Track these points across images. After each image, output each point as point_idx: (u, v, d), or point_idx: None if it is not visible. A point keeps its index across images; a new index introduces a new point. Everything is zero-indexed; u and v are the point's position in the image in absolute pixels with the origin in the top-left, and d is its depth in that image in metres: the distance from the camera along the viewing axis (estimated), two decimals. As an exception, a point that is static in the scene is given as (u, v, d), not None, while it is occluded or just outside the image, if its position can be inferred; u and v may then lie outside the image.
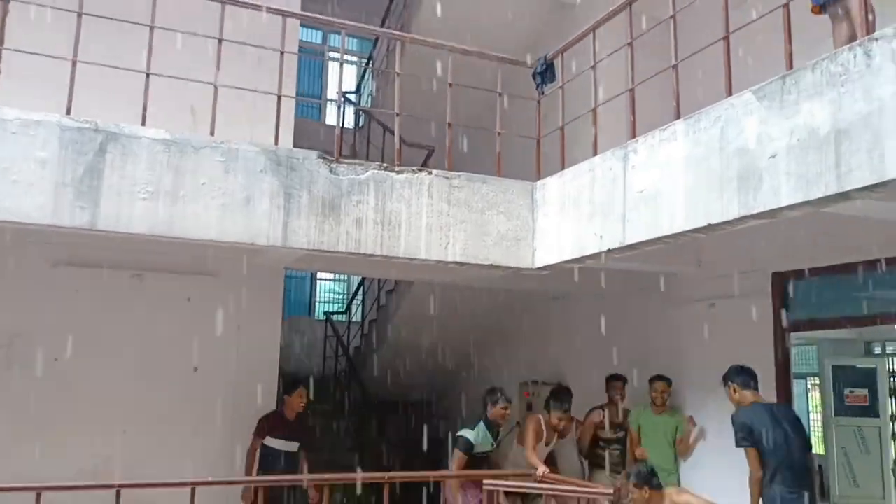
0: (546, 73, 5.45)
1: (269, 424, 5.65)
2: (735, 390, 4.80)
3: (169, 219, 4.31)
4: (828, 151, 3.03)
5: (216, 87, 4.61)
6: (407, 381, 8.31)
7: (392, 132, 8.20)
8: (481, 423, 5.84)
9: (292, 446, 5.72)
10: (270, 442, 5.64)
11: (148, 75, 4.43)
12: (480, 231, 5.09)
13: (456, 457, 5.55)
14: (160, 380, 5.52)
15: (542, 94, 5.52)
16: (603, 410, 6.43)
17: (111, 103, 4.67)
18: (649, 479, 4.55)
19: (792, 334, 5.29)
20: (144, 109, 4.41)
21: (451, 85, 5.28)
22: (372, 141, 8.90)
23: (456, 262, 5.02)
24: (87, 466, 5.12)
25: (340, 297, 12.50)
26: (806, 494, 4.53)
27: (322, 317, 11.02)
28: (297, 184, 4.65)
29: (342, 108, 5.35)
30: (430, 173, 5.05)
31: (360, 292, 10.24)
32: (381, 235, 4.84)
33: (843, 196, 2.97)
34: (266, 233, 4.54)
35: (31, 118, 4.07)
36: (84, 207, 4.13)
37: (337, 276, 12.76)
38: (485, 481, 4.45)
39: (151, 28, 4.48)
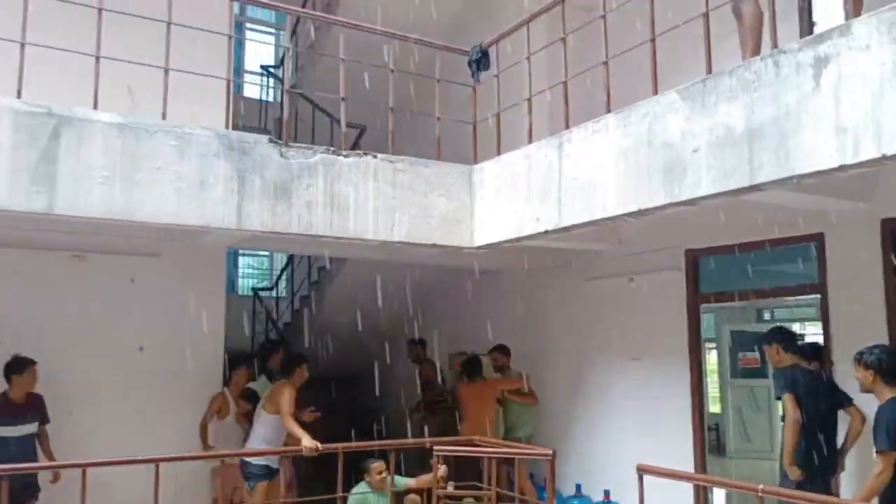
0: (481, 61, 5.76)
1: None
2: (778, 351, 4.75)
3: (126, 203, 4.40)
4: (742, 148, 3.50)
5: (166, 71, 4.69)
6: (340, 355, 8.55)
7: (322, 110, 8.40)
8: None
9: (25, 429, 5.20)
10: (2, 430, 5.12)
11: (98, 59, 4.47)
12: (424, 212, 5.40)
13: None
14: (106, 360, 5.58)
15: (478, 81, 5.84)
16: None
17: (53, 85, 4.66)
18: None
19: (702, 305, 5.88)
20: (96, 93, 4.43)
21: (392, 71, 5.53)
22: (300, 116, 8.99)
23: (402, 242, 5.32)
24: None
25: (262, 272, 12.53)
26: (819, 481, 4.37)
27: (246, 292, 11.08)
28: (249, 168, 4.81)
29: (282, 93, 5.50)
30: (375, 157, 5.31)
31: (290, 268, 10.36)
32: (331, 217, 5.08)
33: (755, 188, 3.45)
34: (221, 216, 4.69)
35: (-18, 102, 4.07)
36: (40, 192, 4.17)
37: (259, 251, 12.76)
38: (435, 448, 4.78)
39: (100, 11, 4.50)
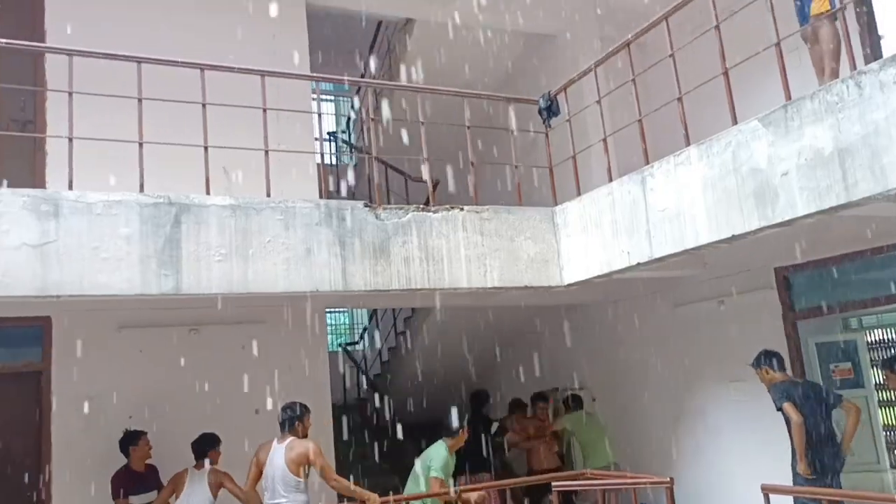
0: (551, 107, 6.00)
1: (123, 483, 5.38)
2: (767, 371, 5.37)
3: (243, 277, 4.74)
4: (834, 168, 3.61)
5: (267, 152, 5.07)
6: (432, 401, 8.75)
7: (395, 168, 8.75)
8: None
9: (148, 498, 5.48)
10: (132, 500, 5.37)
11: (206, 148, 4.87)
12: (512, 257, 5.61)
13: None
14: (226, 424, 5.88)
15: (550, 127, 6.08)
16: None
17: (162, 173, 5.04)
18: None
19: (798, 321, 5.89)
20: (207, 180, 4.83)
21: (468, 127, 5.80)
22: (370, 177, 9.37)
23: (494, 287, 5.52)
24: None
25: (345, 328, 12.87)
26: (830, 476, 4.95)
27: (333, 348, 11.40)
28: (349, 232, 5.12)
29: (371, 161, 5.81)
30: (461, 209, 5.55)
31: (375, 322, 10.66)
32: (427, 270, 5.32)
33: (853, 204, 3.55)
34: (328, 280, 4.99)
35: (112, 199, 4.48)
36: (168, 275, 4.54)
37: (340, 309, 13.13)
38: (553, 483, 4.92)
39: (204, 106, 4.91)
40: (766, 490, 4.26)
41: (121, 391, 5.79)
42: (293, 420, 5.23)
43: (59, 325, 5.72)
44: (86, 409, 5.67)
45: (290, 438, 5.18)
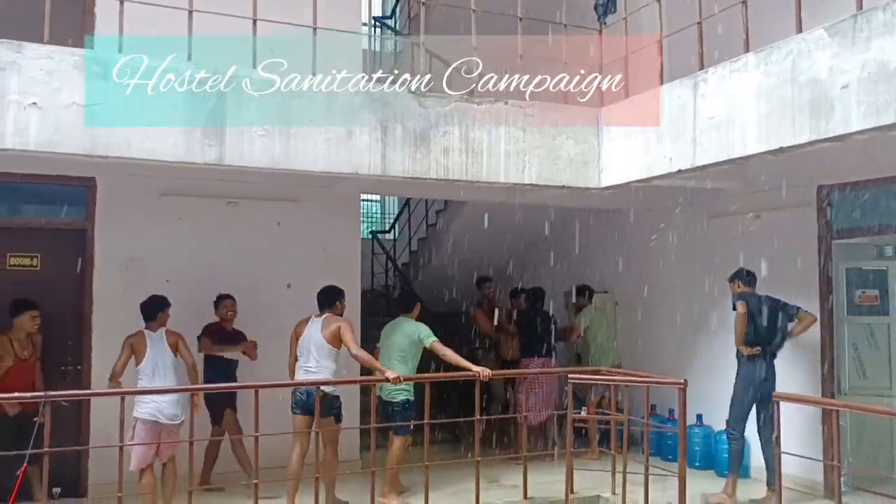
0: (608, 4, 5.80)
1: (212, 335, 5.86)
2: (738, 286, 5.89)
3: (284, 153, 4.80)
4: (896, 83, 3.49)
5: (315, 29, 4.99)
6: (458, 293, 8.92)
7: (440, 59, 8.56)
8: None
9: (231, 349, 5.89)
10: (214, 349, 5.84)
11: (255, 21, 4.80)
12: (552, 155, 5.58)
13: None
14: (259, 296, 6.10)
15: (605, 24, 5.88)
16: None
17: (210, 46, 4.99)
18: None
19: (833, 242, 5.85)
20: (254, 53, 4.79)
21: (520, 18, 5.62)
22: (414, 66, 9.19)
23: (532, 184, 5.53)
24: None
25: (377, 217, 13.01)
26: (767, 356, 5.77)
27: (365, 236, 11.58)
28: (391, 118, 5.10)
29: (417, 48, 5.67)
30: (506, 103, 5.48)
31: (407, 212, 10.76)
32: (466, 162, 5.33)
33: (911, 123, 3.46)
34: (367, 163, 5.03)
35: (161, 65, 4.48)
36: (211, 145, 4.61)
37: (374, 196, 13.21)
38: (570, 375, 5.10)
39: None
40: (778, 398, 4.39)
41: (160, 256, 5.99)
42: (332, 300, 5.64)
43: (103, 187, 5.86)
44: (125, 270, 5.90)
45: (328, 314, 5.57)
